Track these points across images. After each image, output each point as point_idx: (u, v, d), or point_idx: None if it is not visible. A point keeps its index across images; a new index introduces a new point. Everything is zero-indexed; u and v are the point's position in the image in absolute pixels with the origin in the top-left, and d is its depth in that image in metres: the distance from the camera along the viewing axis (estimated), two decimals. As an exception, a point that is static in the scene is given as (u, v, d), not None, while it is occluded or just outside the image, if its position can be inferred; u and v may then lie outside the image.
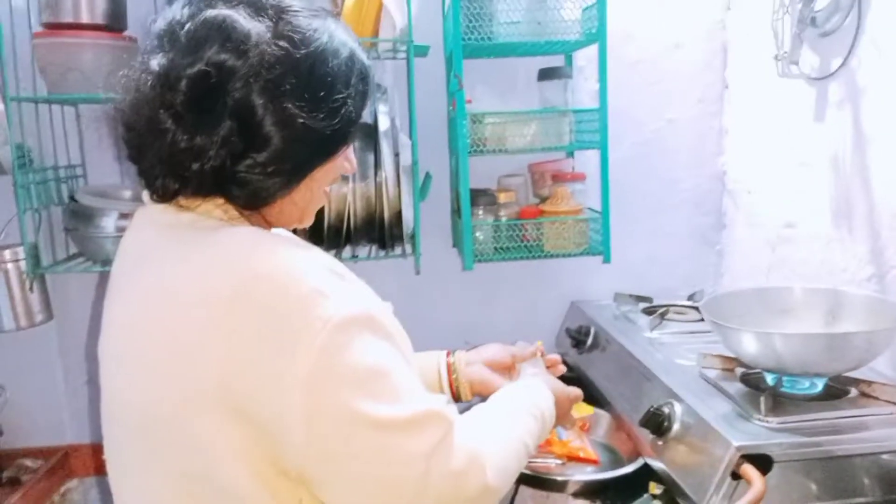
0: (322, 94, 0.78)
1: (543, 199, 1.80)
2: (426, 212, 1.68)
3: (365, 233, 1.56)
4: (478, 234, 1.68)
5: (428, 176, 1.71)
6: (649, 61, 1.91)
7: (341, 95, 0.79)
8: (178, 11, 0.77)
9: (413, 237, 1.58)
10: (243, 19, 0.75)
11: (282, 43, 0.75)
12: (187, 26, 0.75)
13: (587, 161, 1.86)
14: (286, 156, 0.77)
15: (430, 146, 1.76)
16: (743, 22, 1.84)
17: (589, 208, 1.75)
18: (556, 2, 1.58)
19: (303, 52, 0.76)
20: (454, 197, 1.81)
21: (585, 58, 1.85)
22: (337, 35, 0.81)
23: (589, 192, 1.79)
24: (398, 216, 1.54)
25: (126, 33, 1.64)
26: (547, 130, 1.63)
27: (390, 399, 0.72)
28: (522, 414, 0.95)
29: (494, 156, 1.66)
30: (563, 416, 1.08)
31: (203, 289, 0.71)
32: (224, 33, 0.74)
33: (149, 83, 0.75)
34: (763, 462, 1.03)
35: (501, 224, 1.69)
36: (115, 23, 1.60)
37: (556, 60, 1.84)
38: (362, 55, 0.84)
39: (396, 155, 1.53)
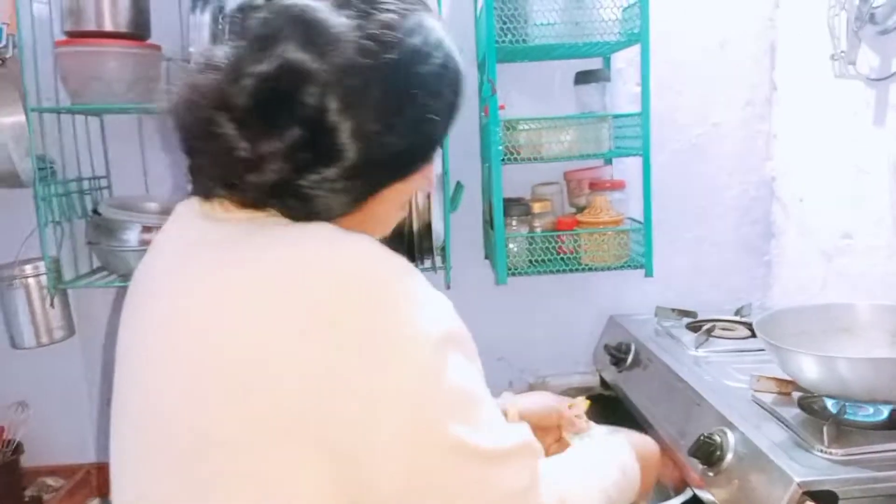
0: (407, 107, 0.67)
1: (580, 209, 1.72)
2: (457, 223, 1.61)
3: (393, 245, 1.49)
4: (511, 246, 1.61)
5: (459, 185, 1.65)
6: (692, 62, 1.82)
7: (428, 109, 0.69)
8: None
9: (443, 250, 1.51)
10: (327, 11, 0.64)
11: (369, 44, 0.64)
12: (261, 13, 0.65)
13: (626, 168, 1.78)
14: (359, 172, 0.66)
15: (461, 154, 1.70)
16: (794, 20, 1.74)
17: (629, 218, 1.66)
18: (594, 1, 1.50)
19: (391, 56, 0.65)
20: (486, 207, 1.73)
21: (624, 60, 1.77)
22: (432, 36, 0.69)
23: (628, 200, 1.71)
24: (427, 228, 1.47)
25: (150, 41, 1.60)
26: (585, 137, 1.55)
27: (487, 428, 0.65)
28: (608, 464, 0.88)
29: (528, 164, 1.58)
30: (646, 483, 0.97)
31: (282, 293, 0.60)
32: (303, 27, 0.63)
33: (209, 79, 0.65)
34: (827, 499, 0.94)
35: (536, 236, 1.61)
36: (138, 31, 1.56)
37: (594, 63, 1.76)
38: (457, 59, 0.72)
39: (426, 164, 1.46)
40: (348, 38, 0.64)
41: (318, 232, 0.66)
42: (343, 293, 0.60)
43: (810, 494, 0.94)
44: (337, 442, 0.59)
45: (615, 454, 0.92)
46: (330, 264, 0.62)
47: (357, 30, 0.64)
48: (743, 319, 1.64)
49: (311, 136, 0.64)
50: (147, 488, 0.66)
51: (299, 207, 0.67)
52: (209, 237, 0.68)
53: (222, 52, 0.66)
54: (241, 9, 0.67)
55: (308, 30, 0.63)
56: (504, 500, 0.66)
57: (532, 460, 0.69)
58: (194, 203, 0.74)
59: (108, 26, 1.52)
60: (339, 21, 0.64)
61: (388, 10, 0.66)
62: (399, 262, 0.65)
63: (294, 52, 0.63)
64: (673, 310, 1.68)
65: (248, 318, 0.61)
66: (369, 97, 0.64)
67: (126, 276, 1.56)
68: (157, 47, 1.61)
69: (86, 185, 1.66)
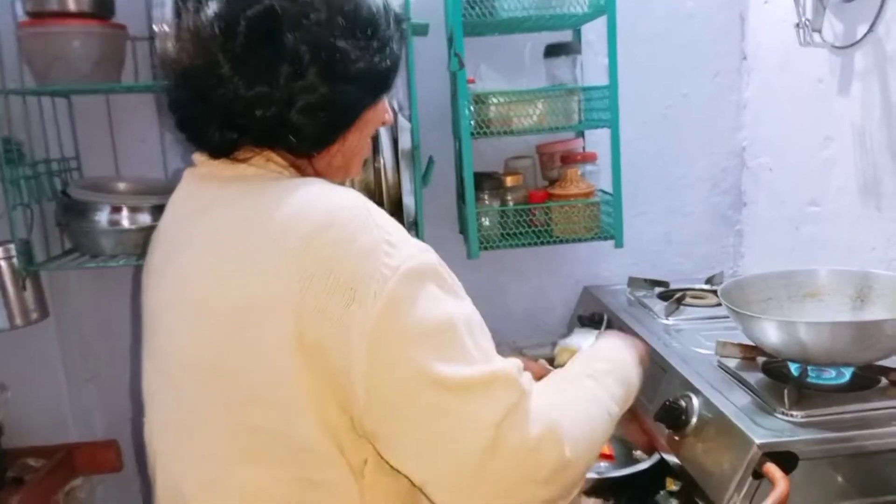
0: (369, 31, 0.78)
1: (552, 182, 1.73)
2: (431, 198, 1.62)
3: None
4: (484, 220, 1.62)
5: (430, 161, 1.65)
6: (661, 34, 1.82)
7: (386, 34, 0.80)
8: None
9: (416, 224, 1.52)
10: None
11: None
12: None
13: (598, 140, 1.78)
14: (341, 95, 0.77)
15: (433, 129, 1.70)
16: (761, -12, 1.74)
17: (601, 190, 1.68)
18: (560, -27, 1.50)
19: None
20: (459, 182, 1.74)
21: (594, 32, 1.77)
22: None
23: (600, 172, 1.72)
24: (399, 203, 1.47)
25: (114, 20, 1.58)
26: (555, 109, 1.55)
27: (458, 358, 0.68)
28: (605, 378, 0.89)
29: (500, 138, 1.59)
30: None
31: (275, 236, 0.69)
32: None
33: (206, 28, 0.74)
34: (787, 460, 0.96)
35: (508, 209, 1.62)
36: (102, 10, 1.54)
37: (564, 36, 1.76)
38: (395, 4, 0.85)
39: (395, 139, 1.46)
40: None
41: (314, 185, 0.74)
42: (320, 235, 0.67)
43: (770, 455, 0.96)
44: (324, 361, 0.67)
45: (614, 362, 0.93)
46: (318, 211, 0.69)
47: None
48: (713, 288, 1.66)
49: (296, 68, 0.73)
50: (172, 416, 0.77)
51: (298, 141, 0.77)
52: (221, 193, 0.77)
53: (212, 7, 0.74)
54: None
55: None
56: (468, 430, 0.68)
57: (509, 393, 0.70)
58: (205, 167, 0.81)
59: (71, 6, 1.50)
60: None
61: None
62: (374, 209, 0.72)
63: None
64: (645, 280, 1.70)
65: (248, 259, 0.70)
66: (337, 28, 0.75)
67: (97, 257, 1.55)
68: (122, 26, 1.59)
69: (55, 166, 1.65)
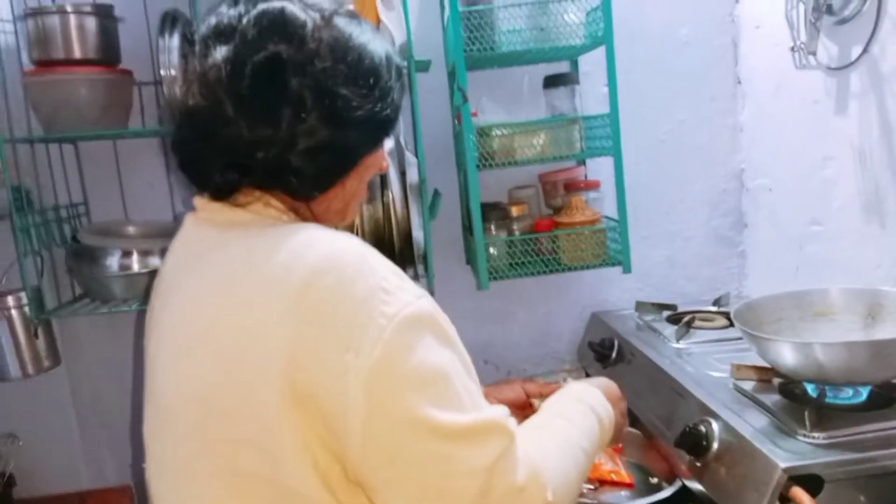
0: (371, 80, 0.80)
1: (557, 210, 1.74)
2: (437, 230, 1.63)
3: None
4: (491, 250, 1.63)
5: (437, 193, 1.66)
6: (656, 62, 1.85)
7: (388, 83, 0.83)
8: (231, 8, 0.79)
9: (425, 257, 1.53)
10: (299, 10, 0.79)
11: (333, 33, 0.79)
12: (248, 17, 0.78)
13: (599, 168, 1.81)
14: (341, 139, 0.79)
15: (436, 163, 1.71)
16: (753, 14, 1.78)
17: (605, 216, 1.69)
18: (558, 6, 1.52)
19: (351, 43, 0.80)
20: (464, 213, 1.75)
21: (591, 62, 1.80)
22: (376, 36, 0.85)
23: (603, 199, 1.73)
24: (408, 237, 1.48)
25: (120, 67, 1.60)
26: (557, 139, 1.57)
27: (452, 406, 0.70)
28: (575, 417, 0.90)
29: (503, 169, 1.60)
30: (619, 424, 1.02)
31: (272, 278, 0.70)
32: (284, 22, 0.77)
33: (213, 71, 0.76)
34: (813, 483, 0.97)
35: (515, 239, 1.63)
36: (108, 56, 1.56)
37: (562, 67, 1.79)
38: (395, 53, 0.87)
39: (403, 174, 1.47)
40: (317, 28, 0.78)
41: (311, 230, 0.76)
42: (317, 280, 0.69)
43: (796, 479, 0.96)
44: (317, 407, 0.67)
45: (586, 402, 0.94)
46: (314, 257, 0.71)
47: (322, 24, 0.79)
48: (721, 309, 1.67)
49: (299, 113, 0.76)
50: (168, 458, 0.78)
51: (299, 184, 0.79)
52: (220, 238, 0.79)
53: (221, 51, 0.77)
54: (229, 18, 0.79)
55: (287, 24, 0.77)
56: (462, 476, 0.69)
57: (500, 439, 0.72)
58: (204, 211, 0.83)
59: (77, 53, 1.51)
60: (309, 15, 0.79)
61: (338, 15, 0.82)
62: (372, 254, 0.74)
63: (280, 42, 0.76)
64: (653, 304, 1.71)
65: (242, 301, 0.71)
66: (340, 75, 0.77)
67: (108, 302, 1.55)
68: (129, 72, 1.60)
69: (63, 212, 1.66)
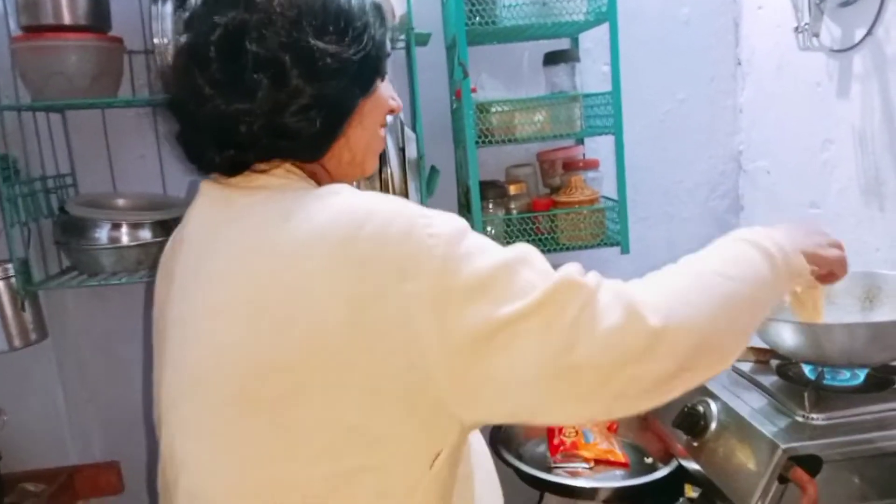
0: (342, 24, 0.77)
1: (555, 189, 1.73)
2: (433, 207, 1.61)
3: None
4: (489, 228, 1.61)
5: (434, 170, 1.64)
6: (657, 40, 1.84)
7: (361, 23, 0.79)
8: None
9: (421, 235, 1.50)
10: None
11: None
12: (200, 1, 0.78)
13: (598, 147, 1.79)
14: (326, 93, 0.76)
15: (434, 139, 1.69)
16: (755, -5, 1.76)
17: (603, 196, 1.68)
18: (561, -19, 1.50)
19: None
20: (462, 191, 1.73)
21: (592, 40, 1.78)
22: None
23: (602, 179, 1.72)
24: (405, 214, 1.46)
25: (111, 34, 1.56)
26: (557, 117, 1.55)
27: (520, 293, 0.68)
28: (709, 251, 0.83)
29: (501, 146, 1.58)
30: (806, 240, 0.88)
31: (313, 238, 0.69)
32: None
33: (181, 60, 0.77)
34: (812, 463, 0.97)
35: (513, 218, 1.62)
36: (98, 23, 1.52)
37: (562, 44, 1.77)
38: None
39: (402, 149, 1.45)
40: None
41: (341, 189, 0.74)
42: (358, 231, 0.68)
43: (796, 459, 0.96)
44: (384, 349, 0.66)
45: (722, 240, 0.85)
46: (351, 210, 0.70)
47: None
48: (717, 291, 1.66)
49: (272, 76, 0.73)
50: (203, 422, 0.75)
51: (298, 146, 0.77)
52: (237, 206, 0.77)
53: (184, 39, 0.77)
54: (189, 5, 0.78)
55: None
56: (550, 336, 0.67)
57: (575, 293, 0.68)
58: (217, 180, 0.81)
59: (67, 19, 1.46)
60: None
61: None
62: (397, 198, 0.73)
63: (228, 13, 0.74)
64: (649, 285, 1.70)
65: (286, 263, 0.69)
66: (306, 27, 0.74)
67: (97, 275, 1.52)
68: (119, 39, 1.56)
69: (51, 183, 1.62)
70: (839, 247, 0.93)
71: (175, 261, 0.83)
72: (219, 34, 0.74)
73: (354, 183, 0.87)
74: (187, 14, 0.79)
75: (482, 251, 0.69)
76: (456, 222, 0.71)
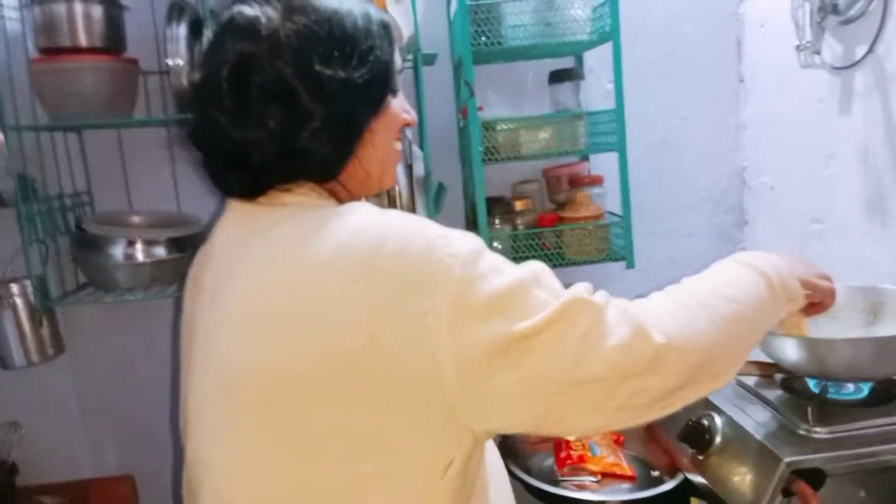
0: (347, 49, 0.79)
1: (560, 205, 1.75)
2: (441, 224, 1.63)
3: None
4: (495, 244, 1.64)
5: (441, 187, 1.66)
6: (660, 58, 1.86)
7: (367, 45, 0.81)
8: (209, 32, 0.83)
9: (430, 251, 1.52)
10: (248, 8, 0.79)
11: (295, 17, 0.78)
12: (209, 36, 0.81)
13: (601, 163, 1.81)
14: (335, 116, 0.78)
15: (440, 156, 1.71)
16: (758, 13, 1.79)
17: (608, 212, 1.70)
18: (565, 1, 1.53)
19: (316, 18, 0.79)
20: (468, 207, 1.76)
21: (596, 58, 1.81)
22: (346, 1, 0.83)
23: (606, 195, 1.74)
24: (414, 230, 1.48)
25: (126, 55, 1.59)
26: (562, 134, 1.58)
27: (533, 312, 0.70)
28: (710, 273, 0.87)
29: (507, 163, 1.61)
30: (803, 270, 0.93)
31: (337, 255, 0.72)
32: (234, 26, 0.78)
33: (197, 95, 0.81)
34: (816, 477, 0.98)
35: (520, 234, 1.64)
36: (114, 45, 1.56)
37: (566, 63, 1.80)
38: (377, 11, 0.85)
39: (409, 167, 1.48)
40: (274, 19, 0.78)
41: (362, 207, 0.77)
42: (380, 249, 0.71)
43: (799, 473, 0.98)
44: (401, 364, 0.69)
45: (724, 262, 0.89)
46: (373, 228, 0.73)
47: (280, 11, 0.78)
48: (722, 306, 1.68)
49: (281, 104, 0.76)
50: (228, 426, 0.78)
51: (313, 167, 0.80)
52: (264, 221, 0.80)
53: (197, 74, 0.81)
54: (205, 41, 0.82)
55: (238, 25, 0.78)
56: (560, 351, 0.69)
57: (585, 311, 0.71)
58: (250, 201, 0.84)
59: (83, 41, 1.51)
60: (262, 10, 0.78)
61: None
62: (418, 217, 0.76)
63: (235, 46, 0.77)
64: (655, 299, 1.72)
65: (311, 275, 0.72)
66: (311, 54, 0.77)
67: (112, 291, 1.55)
68: (134, 61, 1.60)
69: (68, 201, 1.65)
70: (829, 279, 0.99)
71: (204, 273, 0.87)
72: (228, 69, 0.77)
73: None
74: (199, 48, 0.82)
75: (497, 271, 0.72)
76: (473, 243, 0.73)
